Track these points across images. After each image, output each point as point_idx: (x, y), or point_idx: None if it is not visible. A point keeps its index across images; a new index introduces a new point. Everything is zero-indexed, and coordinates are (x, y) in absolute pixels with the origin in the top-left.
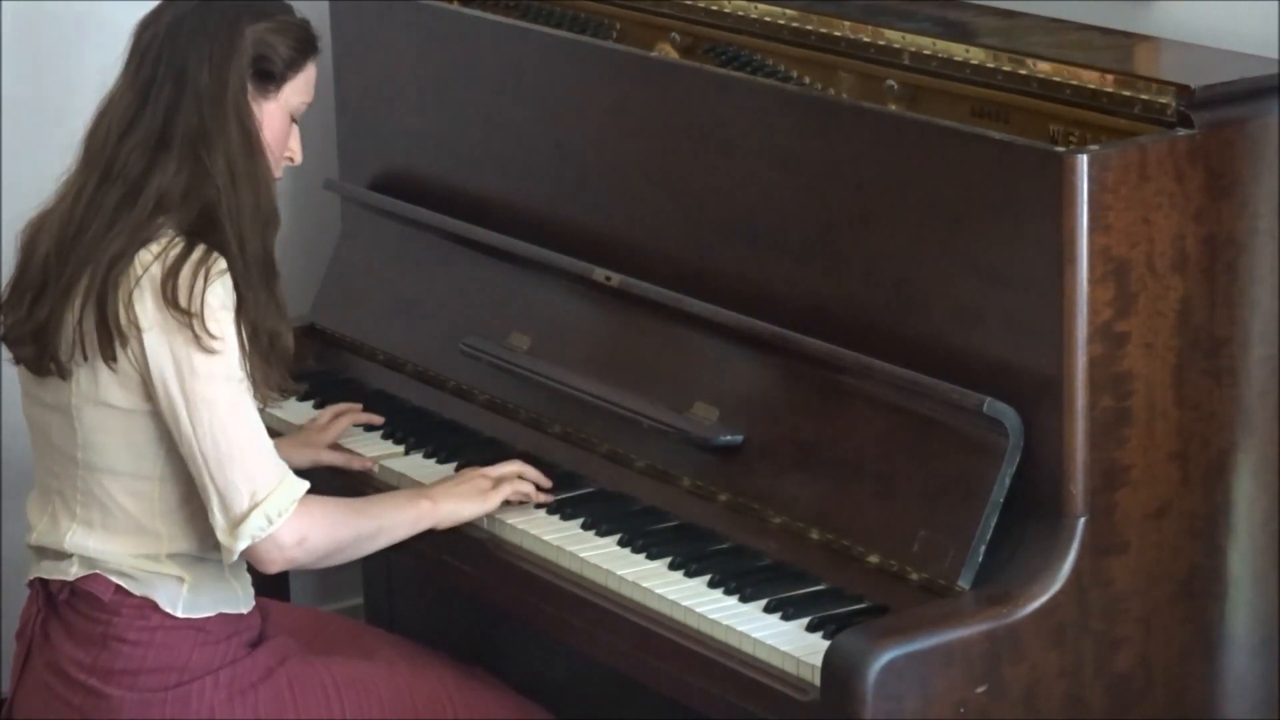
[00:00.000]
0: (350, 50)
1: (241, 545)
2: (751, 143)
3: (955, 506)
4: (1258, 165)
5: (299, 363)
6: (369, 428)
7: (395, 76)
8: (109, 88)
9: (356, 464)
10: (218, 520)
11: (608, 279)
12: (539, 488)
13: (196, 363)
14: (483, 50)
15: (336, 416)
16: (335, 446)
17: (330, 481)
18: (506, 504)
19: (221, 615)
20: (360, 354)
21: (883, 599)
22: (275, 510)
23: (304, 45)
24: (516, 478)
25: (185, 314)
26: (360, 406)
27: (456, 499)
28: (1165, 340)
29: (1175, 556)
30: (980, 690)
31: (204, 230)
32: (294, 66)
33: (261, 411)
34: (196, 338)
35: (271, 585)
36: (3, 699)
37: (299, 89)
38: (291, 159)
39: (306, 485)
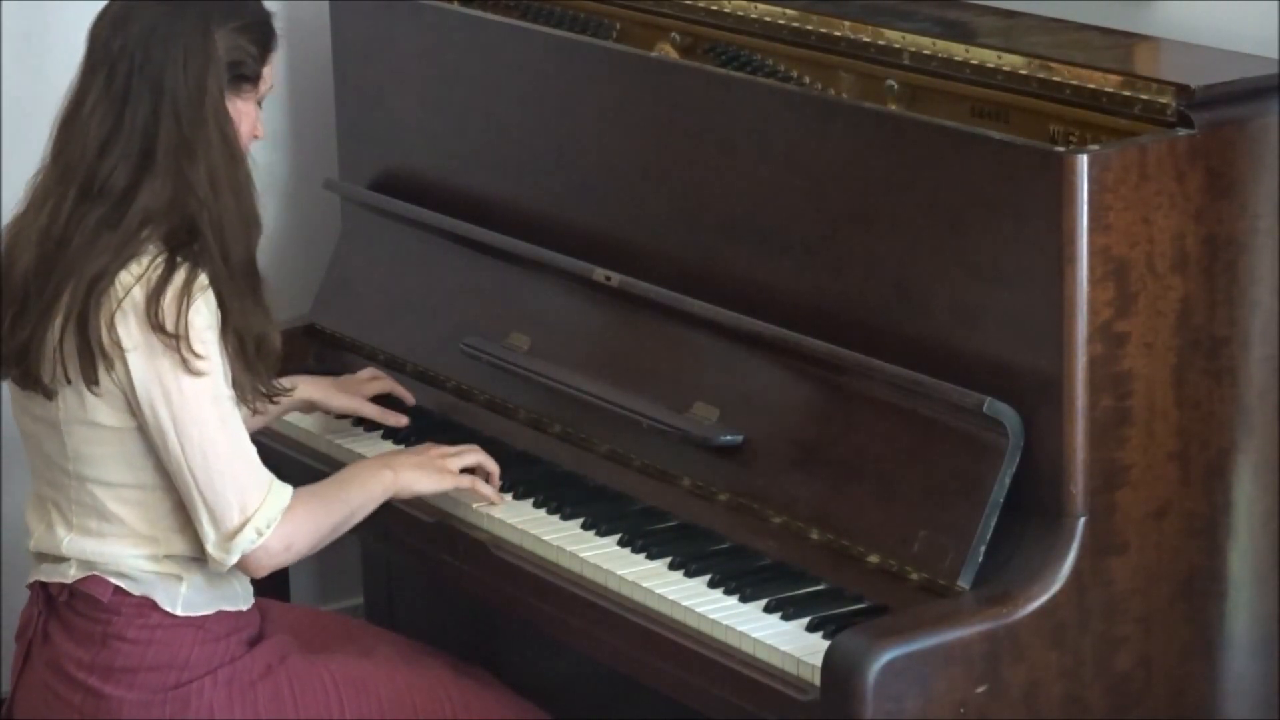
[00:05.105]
0: (350, 50)
1: (233, 559)
2: (751, 143)
3: (955, 506)
4: (1258, 165)
5: (299, 363)
6: (369, 427)
7: (395, 76)
8: (71, 90)
9: (392, 419)
10: (208, 534)
11: (608, 279)
12: (490, 479)
13: (184, 385)
14: (483, 50)
15: (374, 379)
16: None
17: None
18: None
19: (221, 612)
20: (360, 354)
21: (883, 599)
22: (265, 522)
23: (270, 38)
24: (478, 468)
25: (171, 336)
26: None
27: (415, 470)
28: (1165, 340)
29: (1175, 556)
30: (980, 690)
31: (187, 241)
32: (265, 63)
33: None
34: (184, 360)
35: (271, 585)
36: (2, 699)
37: (268, 79)
38: (258, 136)
39: (290, 491)
